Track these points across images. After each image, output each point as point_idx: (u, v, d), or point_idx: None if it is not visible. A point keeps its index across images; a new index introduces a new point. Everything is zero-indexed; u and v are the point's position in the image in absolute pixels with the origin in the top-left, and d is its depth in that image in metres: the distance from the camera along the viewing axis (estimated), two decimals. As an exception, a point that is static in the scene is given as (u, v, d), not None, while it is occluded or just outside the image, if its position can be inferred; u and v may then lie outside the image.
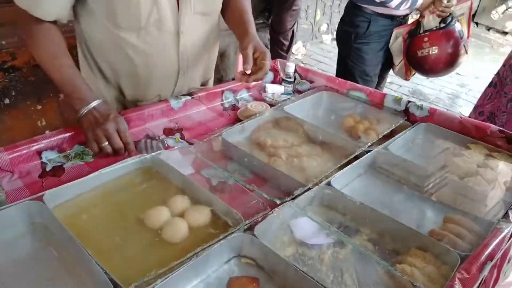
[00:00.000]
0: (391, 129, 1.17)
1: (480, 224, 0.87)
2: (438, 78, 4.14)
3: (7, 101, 1.84)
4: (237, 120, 1.26)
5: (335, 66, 2.32)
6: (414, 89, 4.03)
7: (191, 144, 1.12)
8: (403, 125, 1.21)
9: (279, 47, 3.16)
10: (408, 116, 1.26)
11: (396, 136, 1.15)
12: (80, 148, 1.06)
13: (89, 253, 0.69)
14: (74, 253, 0.73)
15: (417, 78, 4.21)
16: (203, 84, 1.41)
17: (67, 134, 1.04)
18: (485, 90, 2.00)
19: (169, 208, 0.85)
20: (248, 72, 1.11)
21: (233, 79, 2.61)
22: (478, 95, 2.06)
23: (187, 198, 0.88)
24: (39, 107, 1.97)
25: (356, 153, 1.04)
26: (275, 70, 1.52)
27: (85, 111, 1.01)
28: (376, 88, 2.20)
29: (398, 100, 1.29)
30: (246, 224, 0.79)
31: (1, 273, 0.71)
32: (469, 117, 1.89)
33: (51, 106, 2.01)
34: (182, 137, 1.15)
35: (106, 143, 0.98)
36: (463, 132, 1.19)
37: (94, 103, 1.01)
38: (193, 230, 0.82)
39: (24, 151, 0.97)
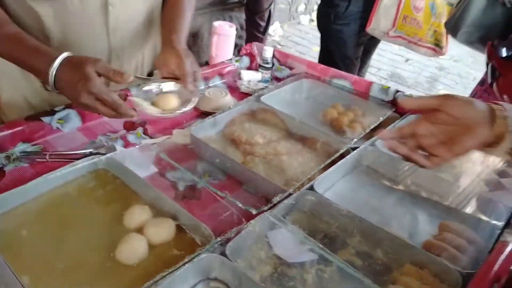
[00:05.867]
0: (378, 122, 1.06)
1: (480, 232, 0.78)
2: (417, 61, 4.08)
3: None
4: (206, 112, 1.12)
5: (313, 48, 2.20)
6: (393, 72, 3.95)
7: (155, 140, 0.99)
8: (391, 117, 1.10)
9: (255, 28, 2.99)
10: (396, 107, 1.15)
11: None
12: (25, 147, 0.91)
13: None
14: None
15: (395, 61, 4.16)
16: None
17: (9, 131, 0.89)
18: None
19: (125, 221, 0.72)
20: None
21: (207, 63, 2.45)
22: (457, 79, 1.97)
23: (147, 208, 0.75)
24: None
25: (342, 151, 0.93)
26: (251, 55, 1.38)
27: (54, 71, 0.76)
28: (358, 74, 2.09)
29: (385, 90, 1.19)
30: (217, 243, 0.67)
31: None
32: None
33: None
34: (145, 132, 1.01)
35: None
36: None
37: (61, 57, 0.77)
38: (153, 248, 0.69)
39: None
